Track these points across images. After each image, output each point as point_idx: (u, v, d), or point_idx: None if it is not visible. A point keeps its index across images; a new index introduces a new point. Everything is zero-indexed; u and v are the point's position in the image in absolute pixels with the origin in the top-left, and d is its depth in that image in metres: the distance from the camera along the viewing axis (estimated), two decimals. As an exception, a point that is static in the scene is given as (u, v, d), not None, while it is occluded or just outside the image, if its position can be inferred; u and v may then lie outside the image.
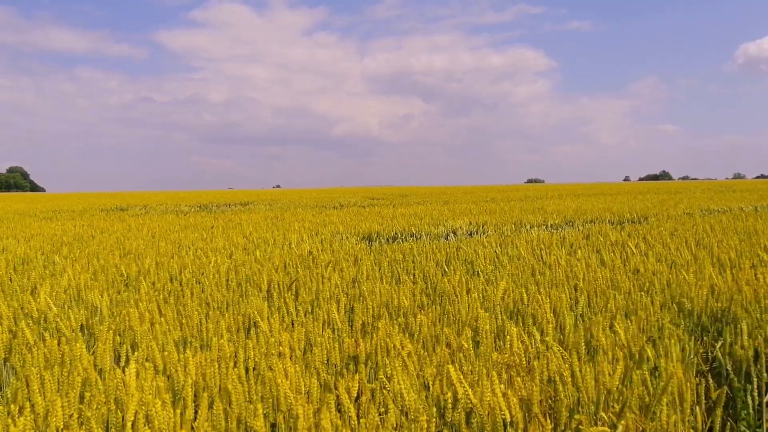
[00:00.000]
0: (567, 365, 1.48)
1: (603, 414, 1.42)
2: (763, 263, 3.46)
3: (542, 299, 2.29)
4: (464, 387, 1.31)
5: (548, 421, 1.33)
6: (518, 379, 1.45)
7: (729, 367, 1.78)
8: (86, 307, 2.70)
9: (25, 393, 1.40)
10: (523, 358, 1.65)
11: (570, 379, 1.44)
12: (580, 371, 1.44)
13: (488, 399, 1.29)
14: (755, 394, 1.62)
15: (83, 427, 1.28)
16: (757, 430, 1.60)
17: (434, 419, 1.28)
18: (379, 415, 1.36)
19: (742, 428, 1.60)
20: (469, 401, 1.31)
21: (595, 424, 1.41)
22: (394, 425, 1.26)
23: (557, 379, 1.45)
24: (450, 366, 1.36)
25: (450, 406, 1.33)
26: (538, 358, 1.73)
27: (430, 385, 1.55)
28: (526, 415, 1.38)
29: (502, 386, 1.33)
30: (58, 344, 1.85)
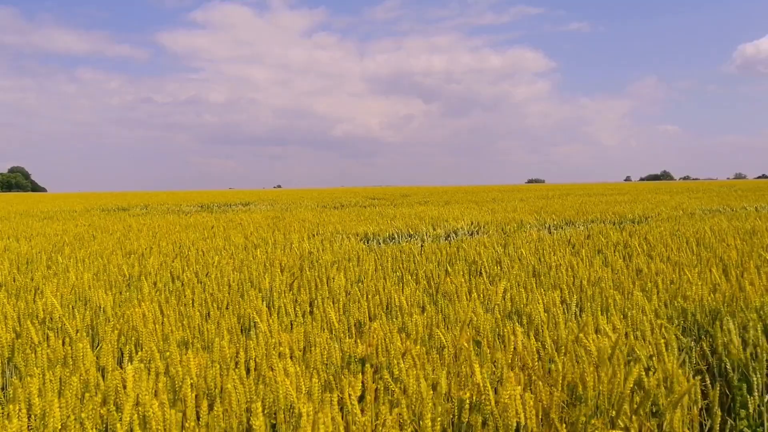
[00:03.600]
0: (592, 368, 1.47)
1: (619, 421, 1.41)
2: (765, 262, 3.46)
3: (541, 300, 2.30)
4: (487, 388, 1.30)
5: (562, 425, 1.32)
6: (537, 384, 1.45)
7: (728, 367, 1.78)
8: (90, 307, 2.71)
9: (26, 393, 1.40)
10: (537, 360, 1.64)
11: (592, 383, 1.44)
12: (598, 375, 1.44)
13: (504, 401, 1.28)
14: (756, 393, 1.62)
15: (80, 428, 1.28)
16: (758, 429, 1.60)
17: (448, 419, 1.28)
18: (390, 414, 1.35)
19: (742, 427, 1.60)
20: (488, 402, 1.31)
21: (612, 428, 1.40)
22: (403, 423, 1.26)
23: (581, 384, 1.44)
24: (476, 365, 1.36)
25: (467, 406, 1.33)
26: (540, 359, 1.73)
27: (443, 385, 1.55)
28: (542, 419, 1.38)
29: (519, 388, 1.33)
30: (63, 344, 1.85)
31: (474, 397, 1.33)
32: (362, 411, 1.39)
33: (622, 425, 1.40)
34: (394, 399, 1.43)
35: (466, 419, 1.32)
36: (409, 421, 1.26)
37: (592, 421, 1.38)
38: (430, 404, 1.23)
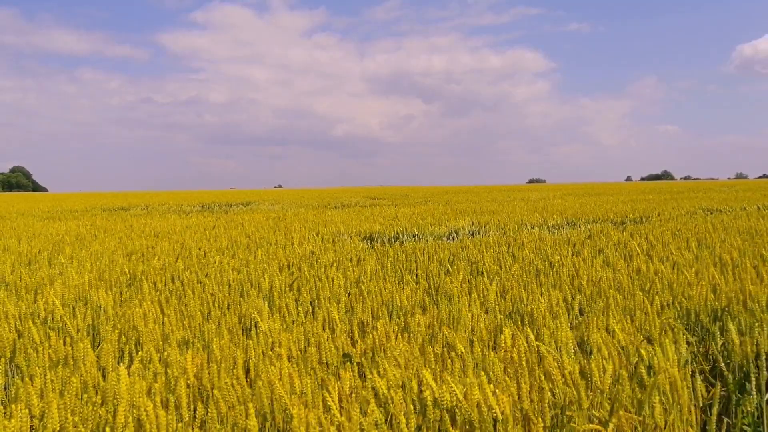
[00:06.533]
0: (556, 363, 1.48)
1: (594, 412, 1.42)
2: (766, 263, 3.46)
3: (541, 299, 2.30)
4: (451, 386, 1.31)
5: (539, 419, 1.33)
6: (511, 378, 1.46)
7: (725, 366, 1.78)
8: (91, 307, 2.71)
9: (26, 393, 1.40)
10: (522, 357, 1.65)
11: (560, 378, 1.44)
12: (572, 370, 1.44)
13: (476, 397, 1.29)
14: (754, 392, 1.62)
15: (77, 429, 1.28)
16: (758, 429, 1.60)
17: (413, 416, 1.28)
18: (362, 413, 1.36)
19: (743, 427, 1.60)
20: (455, 399, 1.32)
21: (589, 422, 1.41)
22: (376, 422, 1.26)
23: (551, 377, 1.45)
24: (424, 369, 1.37)
25: (430, 404, 1.34)
26: (538, 357, 1.74)
27: (413, 385, 1.56)
28: (518, 413, 1.39)
29: (491, 385, 1.33)
30: (64, 344, 1.86)
31: (445, 396, 1.34)
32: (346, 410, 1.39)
33: (600, 418, 1.40)
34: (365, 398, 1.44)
35: (431, 416, 1.32)
36: (380, 422, 1.26)
37: (567, 413, 1.38)
38: (400, 404, 1.24)
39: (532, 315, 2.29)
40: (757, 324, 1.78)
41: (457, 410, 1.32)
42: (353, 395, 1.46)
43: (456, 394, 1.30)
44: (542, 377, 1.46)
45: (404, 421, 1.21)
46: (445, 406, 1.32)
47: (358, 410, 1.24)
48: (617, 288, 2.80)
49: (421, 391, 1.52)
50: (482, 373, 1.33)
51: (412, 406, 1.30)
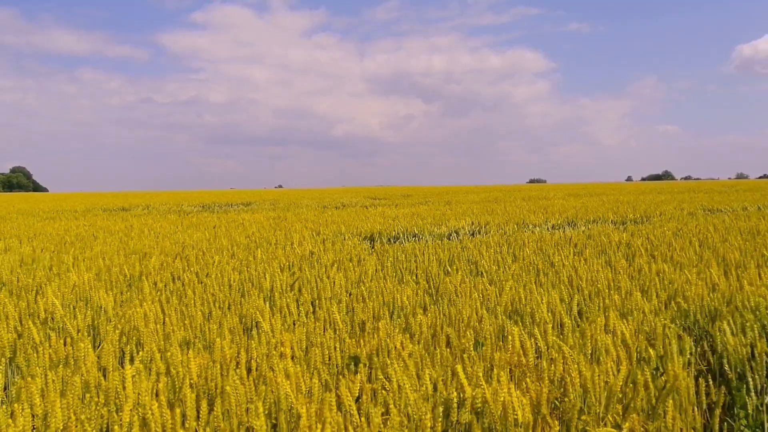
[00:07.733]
0: (575, 366, 1.48)
1: (610, 417, 1.41)
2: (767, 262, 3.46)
3: (542, 300, 2.29)
4: (480, 386, 1.31)
5: (555, 421, 1.33)
6: (527, 379, 1.45)
7: (727, 367, 1.78)
8: (92, 307, 2.72)
9: (28, 393, 1.41)
10: (530, 358, 1.65)
11: (578, 380, 1.44)
12: (589, 372, 1.44)
13: (502, 398, 1.29)
14: (753, 394, 1.62)
15: (81, 428, 1.29)
16: (757, 430, 1.60)
17: (440, 419, 1.28)
18: (382, 415, 1.36)
19: (742, 428, 1.60)
20: (483, 400, 1.31)
21: (603, 425, 1.41)
22: (397, 425, 1.26)
23: (568, 380, 1.45)
24: (458, 366, 1.36)
25: (455, 405, 1.33)
26: (539, 357, 1.74)
27: (438, 385, 1.55)
28: (536, 415, 1.38)
29: (512, 386, 1.33)
30: (64, 344, 1.86)
31: (462, 396, 1.34)
32: (359, 411, 1.39)
33: (612, 422, 1.40)
34: (385, 400, 1.43)
35: (455, 418, 1.32)
36: (402, 425, 1.26)
37: (583, 417, 1.38)
38: (423, 407, 1.23)
39: (533, 316, 2.29)
40: (756, 324, 1.78)
41: (484, 412, 1.32)
42: (366, 397, 1.46)
43: (485, 394, 1.30)
44: (554, 380, 1.46)
45: (429, 425, 1.20)
46: (472, 407, 1.32)
47: (378, 411, 1.24)
48: (616, 288, 2.80)
49: (435, 390, 1.52)
50: (501, 373, 1.32)
51: (440, 408, 1.29)
